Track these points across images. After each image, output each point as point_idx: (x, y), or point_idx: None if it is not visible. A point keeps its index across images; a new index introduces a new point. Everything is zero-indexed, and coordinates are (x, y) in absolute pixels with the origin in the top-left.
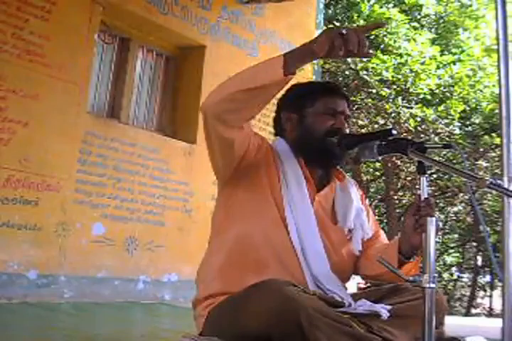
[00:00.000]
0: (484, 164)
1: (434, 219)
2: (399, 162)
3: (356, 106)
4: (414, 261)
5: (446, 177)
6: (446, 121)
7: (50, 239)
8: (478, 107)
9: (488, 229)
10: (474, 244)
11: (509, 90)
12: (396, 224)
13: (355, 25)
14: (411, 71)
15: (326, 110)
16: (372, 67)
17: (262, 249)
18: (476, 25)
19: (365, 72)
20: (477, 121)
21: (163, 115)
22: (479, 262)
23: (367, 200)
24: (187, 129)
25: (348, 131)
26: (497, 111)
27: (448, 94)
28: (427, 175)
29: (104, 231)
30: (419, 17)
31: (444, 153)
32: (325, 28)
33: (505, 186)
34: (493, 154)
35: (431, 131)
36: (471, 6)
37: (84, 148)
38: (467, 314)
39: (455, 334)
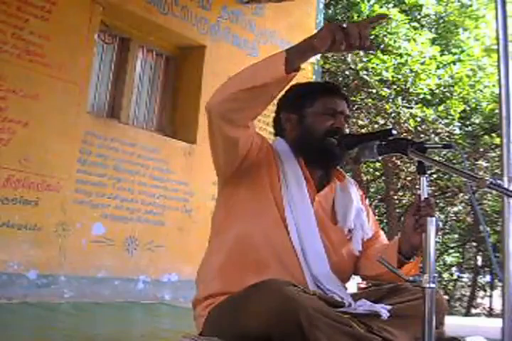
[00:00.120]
0: (484, 164)
1: (434, 219)
2: (399, 162)
3: (356, 106)
4: (414, 261)
5: (446, 177)
6: (446, 121)
7: (50, 239)
8: (478, 107)
9: (488, 229)
10: (474, 244)
11: (509, 90)
12: (396, 224)
13: None
14: (411, 71)
15: (325, 110)
16: (372, 67)
17: (262, 248)
18: (476, 25)
19: (365, 72)
20: (477, 121)
21: (163, 115)
22: (479, 262)
23: (367, 200)
24: (187, 129)
25: (347, 131)
26: (497, 111)
27: (448, 94)
28: (427, 175)
29: (104, 231)
30: (419, 17)
31: (444, 153)
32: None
33: (505, 186)
34: (493, 154)
35: (431, 131)
36: (471, 6)
37: (84, 148)
38: (467, 314)
39: (455, 334)
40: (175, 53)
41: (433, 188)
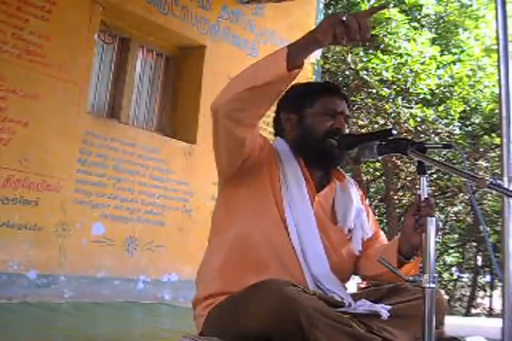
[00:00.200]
0: (484, 164)
1: (434, 219)
2: (399, 162)
3: (356, 106)
4: (414, 261)
5: (446, 177)
6: (446, 121)
7: (50, 239)
8: (478, 107)
9: (488, 229)
10: (474, 244)
11: (509, 90)
12: (396, 224)
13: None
14: (411, 71)
15: (325, 110)
16: (372, 67)
17: (262, 248)
18: (476, 25)
19: (365, 72)
20: (477, 121)
21: (163, 115)
22: (479, 262)
23: (367, 200)
24: (187, 129)
25: (347, 131)
26: (497, 111)
27: (448, 94)
28: (427, 175)
29: (104, 231)
30: (419, 17)
31: (444, 153)
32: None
33: (505, 186)
34: (493, 154)
35: (431, 131)
36: (471, 6)
37: (84, 148)
38: (467, 314)
39: (455, 334)
40: (175, 53)
41: (433, 188)
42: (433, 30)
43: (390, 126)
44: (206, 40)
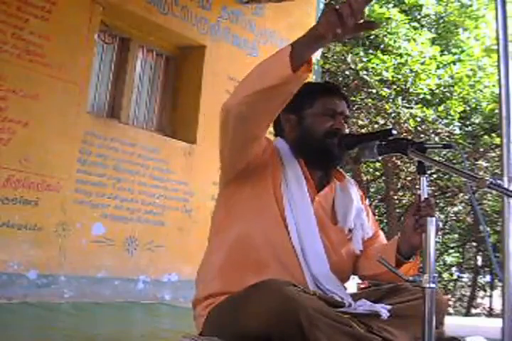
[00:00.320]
0: (484, 164)
1: (434, 219)
2: (399, 162)
3: (356, 106)
4: (413, 261)
5: (446, 177)
6: (446, 121)
7: (50, 239)
8: (478, 107)
9: (488, 229)
10: (474, 244)
11: (509, 90)
12: (396, 224)
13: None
14: (411, 71)
15: (324, 111)
16: (372, 67)
17: (262, 249)
18: (476, 25)
19: (365, 72)
20: (477, 121)
21: (163, 115)
22: (479, 262)
23: (367, 200)
24: (187, 129)
25: (347, 131)
26: (497, 111)
27: (448, 94)
28: (427, 175)
29: (104, 231)
30: (419, 17)
31: (444, 153)
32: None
33: (505, 186)
34: (493, 154)
35: (431, 131)
36: (471, 6)
37: (84, 148)
38: (467, 314)
39: (455, 334)
40: (175, 53)
41: (433, 188)
42: (433, 30)
43: (390, 126)
44: (206, 40)
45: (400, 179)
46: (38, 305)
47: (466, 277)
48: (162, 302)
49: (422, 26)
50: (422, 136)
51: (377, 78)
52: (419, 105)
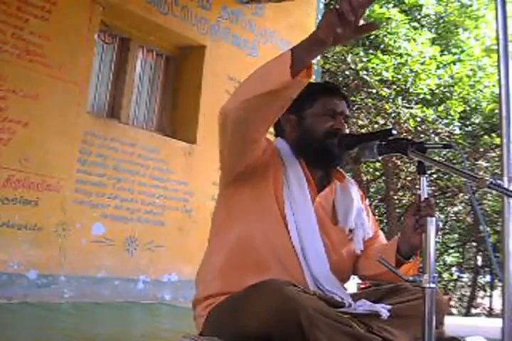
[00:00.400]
0: (484, 164)
1: (434, 219)
2: (399, 162)
3: (356, 106)
4: (413, 261)
5: (446, 177)
6: (446, 121)
7: (50, 239)
8: (478, 107)
9: (488, 229)
10: (474, 244)
11: (509, 90)
12: (396, 224)
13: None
14: (411, 71)
15: (325, 111)
16: (372, 67)
17: (262, 249)
18: (476, 25)
19: (365, 72)
20: (477, 121)
21: (163, 115)
22: (479, 262)
23: (367, 200)
24: (187, 129)
25: (347, 131)
26: (497, 111)
27: (448, 94)
28: (427, 175)
29: (104, 231)
30: (419, 17)
31: (444, 153)
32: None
33: (505, 186)
34: (493, 154)
35: (431, 131)
36: (471, 6)
37: (84, 148)
38: (467, 314)
39: (455, 334)
40: (175, 53)
41: (433, 188)
42: (433, 30)
43: (390, 126)
44: (206, 40)
45: (400, 179)
46: (38, 305)
47: (466, 277)
48: (162, 302)
49: (422, 26)
50: (422, 136)
51: (377, 78)
52: (419, 105)
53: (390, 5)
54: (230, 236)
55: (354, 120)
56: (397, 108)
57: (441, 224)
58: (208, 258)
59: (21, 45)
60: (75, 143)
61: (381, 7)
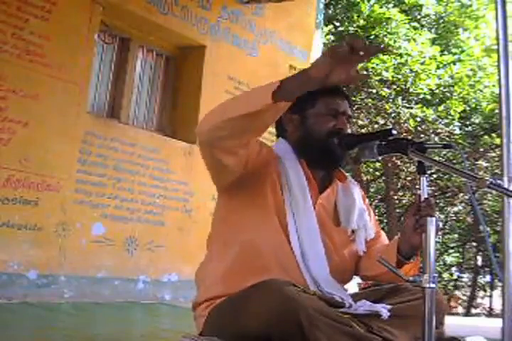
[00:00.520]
0: (484, 164)
1: (434, 219)
2: (399, 162)
3: (356, 106)
4: (414, 261)
5: (446, 177)
6: (446, 121)
7: (50, 239)
8: (478, 107)
9: (488, 229)
10: (474, 244)
11: (509, 90)
12: (396, 224)
13: (355, 25)
14: (411, 71)
15: (327, 111)
16: (373, 67)
17: (264, 255)
18: (476, 25)
19: (365, 72)
20: (477, 121)
21: (163, 115)
22: (479, 262)
23: (367, 200)
24: (187, 129)
25: (349, 131)
26: (497, 111)
27: (448, 94)
28: (427, 175)
29: (104, 231)
30: (419, 17)
31: (444, 153)
32: (324, 27)
33: (505, 186)
34: (493, 154)
35: (431, 131)
36: (471, 6)
37: (84, 148)
38: (467, 314)
39: (455, 334)
40: (175, 53)
41: (433, 188)
42: (433, 30)
43: (390, 126)
44: (206, 40)
45: (400, 179)
46: (38, 305)
47: (466, 277)
48: (162, 302)
49: (422, 26)
50: (422, 136)
51: (377, 78)
52: (419, 105)
53: (390, 5)
54: (232, 243)
55: (354, 120)
56: (397, 108)
57: (441, 224)
58: (208, 264)
59: (21, 45)
60: (75, 143)
61: (381, 7)
